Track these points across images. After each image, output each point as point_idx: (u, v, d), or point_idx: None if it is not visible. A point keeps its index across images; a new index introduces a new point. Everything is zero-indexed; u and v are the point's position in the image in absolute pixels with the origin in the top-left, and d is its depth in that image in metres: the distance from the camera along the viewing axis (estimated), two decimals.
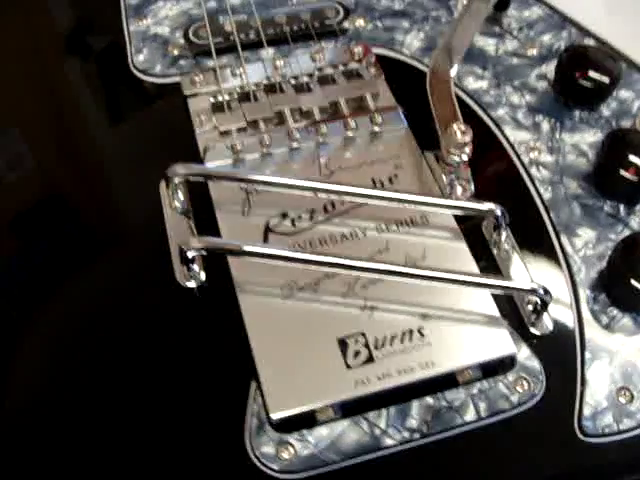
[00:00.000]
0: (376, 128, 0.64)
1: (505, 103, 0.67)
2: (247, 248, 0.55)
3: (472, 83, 0.68)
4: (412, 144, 0.64)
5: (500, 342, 0.54)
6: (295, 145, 0.63)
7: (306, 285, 0.56)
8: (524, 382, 0.53)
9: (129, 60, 0.70)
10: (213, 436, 0.51)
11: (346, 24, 0.72)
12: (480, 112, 0.66)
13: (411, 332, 0.54)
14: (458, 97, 0.66)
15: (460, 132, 0.59)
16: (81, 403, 0.52)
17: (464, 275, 0.54)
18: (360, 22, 0.73)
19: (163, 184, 0.61)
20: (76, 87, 0.72)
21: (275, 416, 0.51)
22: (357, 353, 0.53)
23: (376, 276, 0.54)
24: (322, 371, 0.53)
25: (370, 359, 0.53)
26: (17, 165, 0.64)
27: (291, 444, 0.51)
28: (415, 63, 0.70)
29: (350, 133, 0.64)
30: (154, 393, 0.53)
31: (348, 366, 0.53)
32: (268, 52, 0.69)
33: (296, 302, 0.56)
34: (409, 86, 0.67)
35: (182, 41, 0.71)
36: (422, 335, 0.54)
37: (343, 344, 0.54)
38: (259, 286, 0.56)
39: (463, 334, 0.54)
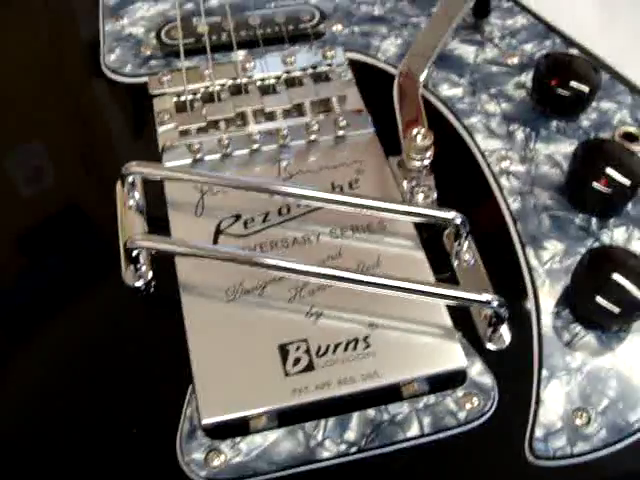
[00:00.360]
0: (340, 132, 0.62)
1: (479, 111, 0.64)
2: (190, 247, 0.53)
3: (447, 90, 0.66)
4: (377, 149, 0.61)
5: (450, 355, 0.51)
6: (256, 147, 0.61)
7: (252, 289, 0.54)
8: (474, 398, 0.50)
9: (100, 59, 0.69)
10: (145, 438, 0.49)
11: (322, 28, 0.71)
12: (452, 119, 0.64)
13: (356, 341, 0.51)
14: (430, 104, 0.64)
15: (421, 136, 0.56)
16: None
17: (414, 284, 0.51)
18: (337, 27, 0.70)
19: (119, 182, 0.59)
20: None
21: (206, 421, 0.49)
22: (297, 360, 0.51)
23: (324, 282, 0.52)
24: (259, 377, 0.50)
25: (310, 367, 0.50)
26: (35, 180, 0.63)
27: (222, 451, 0.48)
28: (389, 69, 0.67)
29: (313, 136, 0.61)
30: (90, 390, 0.51)
31: (287, 373, 0.50)
32: (239, 54, 0.67)
33: (240, 305, 0.53)
34: (381, 92, 0.65)
35: (155, 41, 0.69)
36: (367, 345, 0.51)
37: (283, 350, 0.51)
38: (203, 287, 0.54)
39: (411, 345, 0.51)
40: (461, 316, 0.53)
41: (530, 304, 0.54)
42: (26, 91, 0.68)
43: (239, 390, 0.50)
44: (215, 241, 0.56)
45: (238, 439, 0.49)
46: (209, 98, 0.64)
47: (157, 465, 0.49)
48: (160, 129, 0.62)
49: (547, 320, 0.54)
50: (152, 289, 0.55)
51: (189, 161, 0.61)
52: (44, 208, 0.61)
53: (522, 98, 0.65)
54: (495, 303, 0.51)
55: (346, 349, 0.51)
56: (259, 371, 0.50)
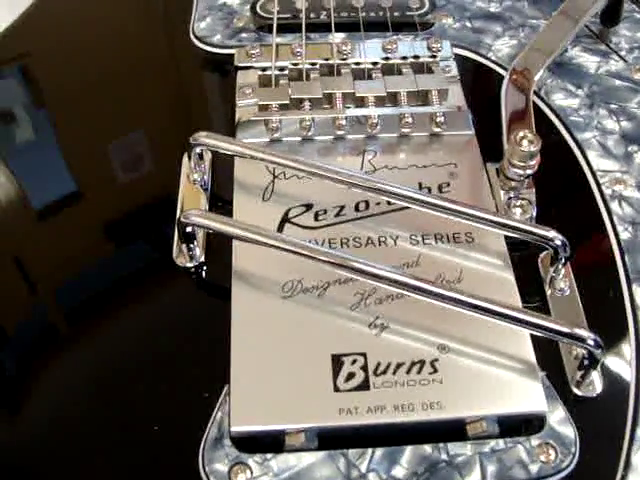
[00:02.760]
0: (436, 129, 0.53)
1: (595, 126, 0.54)
2: (250, 231, 0.44)
3: (561, 99, 0.56)
4: (474, 152, 0.52)
5: (529, 395, 0.42)
6: (340, 133, 0.53)
7: (312, 288, 0.45)
8: (551, 450, 0.41)
9: (190, 26, 0.62)
10: (167, 436, 0.41)
11: (430, 18, 0.62)
12: (563, 131, 0.54)
13: (422, 363, 0.42)
14: (541, 112, 0.55)
15: (527, 141, 0.47)
16: None
17: (499, 306, 0.42)
18: (448, 20, 0.62)
19: (186, 153, 0.51)
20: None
21: (236, 429, 0.40)
22: (351, 376, 0.42)
23: (396, 290, 0.43)
24: (304, 388, 0.42)
25: (365, 385, 0.42)
26: (133, 167, 0.56)
27: (248, 466, 0.40)
28: (499, 70, 0.58)
29: (405, 130, 0.53)
30: (117, 377, 0.44)
31: (337, 389, 0.41)
32: (336, 36, 0.59)
33: (295, 304, 0.45)
34: (485, 93, 0.56)
35: (249, 14, 0.62)
36: (434, 369, 0.42)
37: (337, 362, 0.42)
38: (258, 279, 0.46)
39: (485, 377, 0.42)
40: (547, 352, 0.44)
41: (630, 349, 0.44)
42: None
43: (279, 399, 0.41)
44: (280, 229, 0.48)
45: (269, 456, 0.40)
46: (297, 76, 0.56)
47: (175, 468, 0.41)
48: (239, 102, 0.55)
49: None
50: (202, 273, 0.48)
51: (265, 140, 0.53)
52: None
53: None
54: (591, 342, 0.41)
55: (409, 371, 0.42)
56: (305, 381, 0.42)
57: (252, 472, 0.40)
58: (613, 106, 0.56)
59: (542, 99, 0.56)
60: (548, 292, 0.46)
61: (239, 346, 0.43)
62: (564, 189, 0.51)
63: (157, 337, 0.46)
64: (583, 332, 0.41)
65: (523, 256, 0.48)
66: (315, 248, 0.44)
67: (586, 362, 0.42)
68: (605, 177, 0.52)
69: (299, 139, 0.53)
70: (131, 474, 0.41)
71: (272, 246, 0.44)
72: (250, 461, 0.40)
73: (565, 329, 0.41)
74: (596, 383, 0.43)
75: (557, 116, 0.55)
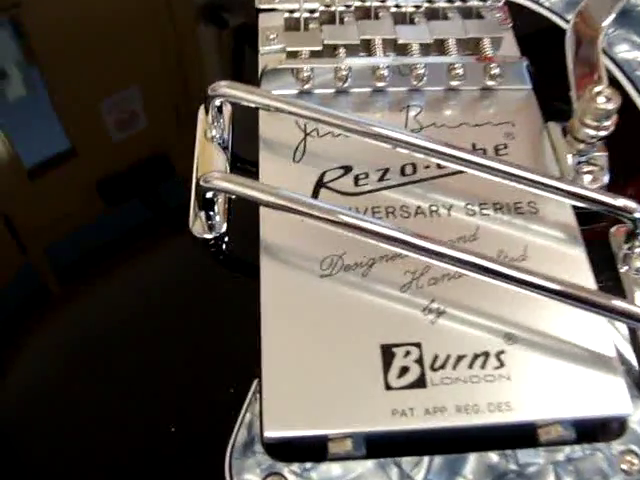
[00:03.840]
0: (490, 82, 0.45)
1: None
2: (280, 197, 0.37)
3: (626, 52, 0.48)
4: (534, 110, 0.45)
5: (611, 396, 0.35)
6: (380, 85, 0.45)
7: (355, 265, 0.38)
8: (635, 460, 0.34)
9: None
10: (186, 440, 0.34)
11: None
12: (630, 89, 0.47)
13: (486, 356, 0.35)
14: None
15: (604, 97, 0.39)
16: None
17: (576, 289, 0.35)
18: None
19: (202, 107, 0.43)
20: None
21: (270, 434, 0.33)
22: (404, 370, 0.35)
23: (454, 269, 0.36)
24: (350, 385, 0.34)
25: (421, 382, 0.34)
26: (128, 125, 0.48)
27: (284, 478, 0.33)
28: (554, 18, 0.50)
29: (455, 82, 0.45)
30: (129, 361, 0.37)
31: (388, 386, 0.34)
32: None
33: (336, 284, 0.37)
34: (541, 44, 0.48)
35: None
36: (501, 363, 0.35)
37: (387, 354, 0.35)
38: (291, 254, 0.38)
39: (559, 373, 0.35)
40: (624, 345, 0.37)
41: None
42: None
43: (320, 398, 0.34)
44: (315, 195, 0.41)
45: (309, 465, 0.33)
46: (329, 19, 0.47)
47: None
48: (263, 49, 0.47)
49: None
50: (224, 246, 0.40)
51: (294, 92, 0.45)
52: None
53: None
54: None
55: (471, 365, 0.35)
56: (351, 376, 0.35)
57: None
58: None
59: (604, 51, 0.48)
60: (622, 269, 0.39)
61: (270, 334, 0.36)
62: (635, 154, 0.44)
63: (167, 318, 0.38)
64: None
65: (592, 229, 0.41)
66: (359, 218, 0.36)
67: None
68: None
69: (333, 91, 0.45)
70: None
71: (307, 215, 0.36)
72: (286, 471, 0.33)
73: None
74: None
75: (621, 70, 0.48)
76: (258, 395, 0.35)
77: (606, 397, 0.35)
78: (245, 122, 0.45)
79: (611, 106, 0.39)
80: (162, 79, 0.50)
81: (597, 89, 0.39)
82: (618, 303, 0.34)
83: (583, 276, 0.38)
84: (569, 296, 0.34)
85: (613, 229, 0.41)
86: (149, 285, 0.40)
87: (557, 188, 0.38)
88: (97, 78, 0.49)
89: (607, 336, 0.36)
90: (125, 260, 0.41)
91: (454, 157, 0.39)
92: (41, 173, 0.46)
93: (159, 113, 0.48)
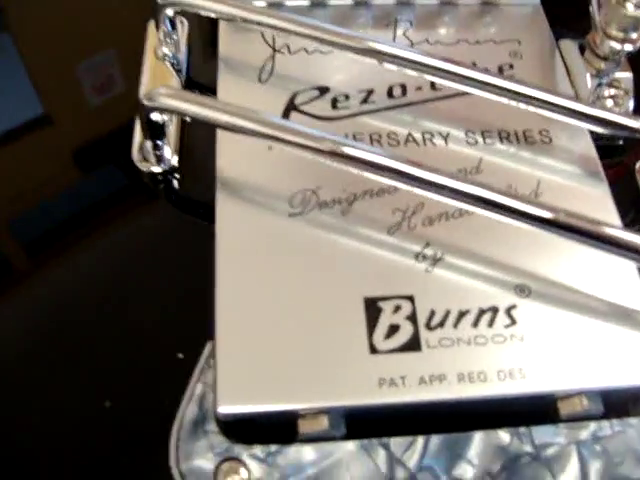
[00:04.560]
0: None
1: None
2: (241, 116, 0.29)
3: None
4: (543, 27, 0.37)
5: None
6: None
7: (332, 201, 0.30)
8: None
9: None
10: (124, 415, 0.27)
11: None
12: None
13: (494, 312, 0.28)
14: None
15: (632, 4, 0.32)
16: None
17: (606, 228, 0.28)
18: None
19: (152, 21, 0.36)
20: None
21: (225, 410, 0.26)
22: (393, 329, 0.27)
23: (457, 205, 0.28)
24: (325, 350, 0.27)
25: (414, 344, 0.27)
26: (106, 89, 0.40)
27: (244, 464, 0.26)
28: None
29: None
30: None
31: (373, 349, 0.27)
32: None
33: (309, 225, 0.30)
34: None
35: None
36: (512, 321, 0.28)
37: (373, 309, 0.28)
38: (254, 189, 0.31)
39: (583, 332, 0.28)
40: None
41: None
42: None
43: (288, 366, 0.27)
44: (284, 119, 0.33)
45: (274, 448, 0.26)
46: None
47: (132, 469, 0.26)
48: None
49: None
50: (176, 182, 0.33)
51: (262, 4, 0.37)
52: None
53: None
54: None
55: (476, 323, 0.28)
56: (326, 338, 0.27)
57: (250, 472, 0.26)
58: None
59: None
60: None
61: (227, 286, 0.28)
62: None
63: (114, 271, 0.31)
64: None
65: (616, 165, 0.34)
66: (338, 141, 0.29)
67: None
68: None
69: (307, 3, 0.37)
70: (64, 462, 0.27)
71: (274, 138, 0.29)
72: (246, 456, 0.26)
73: None
74: None
75: None
76: (212, 361, 0.28)
77: (638, 363, 0.28)
78: (205, 40, 0.37)
79: None
80: (140, 41, 0.42)
81: None
82: None
83: (607, 216, 0.31)
84: (596, 236, 0.27)
85: (639, 164, 0.34)
86: (113, 252, 0.33)
87: (574, 110, 0.31)
88: (71, 40, 0.41)
89: (638, 286, 0.29)
90: (93, 231, 0.34)
91: (452, 74, 0.31)
92: (13, 140, 0.38)
93: (138, 76, 0.41)
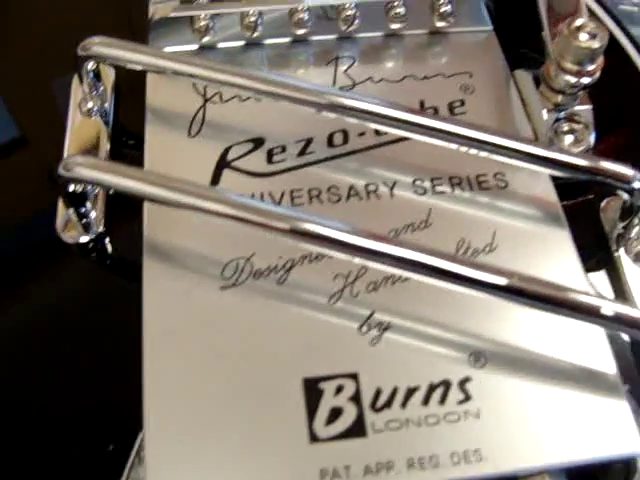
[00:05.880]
0: (440, 23, 0.35)
1: None
2: (164, 186, 0.27)
3: None
4: (496, 56, 0.35)
5: (615, 431, 0.25)
6: (301, 33, 0.34)
7: (268, 270, 0.28)
8: None
9: None
10: None
11: None
12: (612, 26, 0.37)
13: (447, 386, 0.26)
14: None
15: (587, 34, 0.30)
16: None
17: (567, 293, 0.25)
18: None
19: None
20: None
21: None
22: (336, 413, 0.25)
23: (397, 272, 0.26)
24: (261, 439, 0.25)
25: (359, 429, 0.25)
26: None
27: None
28: None
29: (395, 25, 0.35)
30: None
31: (314, 437, 0.25)
32: None
33: (242, 297, 0.28)
34: None
35: None
36: (467, 396, 0.26)
37: (313, 391, 0.25)
38: (184, 258, 0.28)
39: (545, 406, 0.26)
40: (624, 352, 0.28)
41: None
42: None
43: (224, 458, 0.24)
44: (215, 179, 0.30)
45: None
46: None
47: None
48: None
49: None
50: (104, 249, 0.30)
51: (193, 47, 0.35)
52: None
53: None
54: None
55: (427, 401, 0.25)
56: (264, 426, 0.25)
57: None
58: None
59: None
60: (618, 252, 0.30)
61: (155, 369, 0.26)
62: (632, 108, 0.35)
63: (34, 349, 0.29)
64: None
65: (578, 206, 0.31)
66: (266, 210, 0.26)
67: None
68: None
69: (242, 44, 0.35)
70: None
71: (198, 209, 0.27)
72: None
73: None
74: None
75: (601, 5, 0.38)
76: (142, 454, 0.25)
77: (608, 433, 0.25)
78: (134, 87, 0.35)
79: (596, 44, 0.30)
80: None
81: (578, 22, 0.30)
82: (622, 309, 0.25)
83: (569, 266, 0.29)
84: (554, 302, 0.25)
85: (604, 203, 0.32)
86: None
87: (531, 154, 0.29)
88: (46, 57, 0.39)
89: (605, 348, 0.27)
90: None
91: (396, 120, 0.29)
92: None
93: None
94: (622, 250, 0.30)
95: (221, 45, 0.35)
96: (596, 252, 0.31)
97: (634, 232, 0.30)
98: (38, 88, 0.38)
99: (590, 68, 0.31)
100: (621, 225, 0.30)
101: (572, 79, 0.31)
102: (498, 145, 0.29)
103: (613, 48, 0.36)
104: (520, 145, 0.29)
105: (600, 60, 0.31)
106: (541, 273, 0.28)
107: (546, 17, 0.33)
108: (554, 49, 0.31)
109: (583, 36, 0.30)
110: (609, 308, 0.25)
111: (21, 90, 0.38)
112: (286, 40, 0.35)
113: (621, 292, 0.30)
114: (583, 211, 0.31)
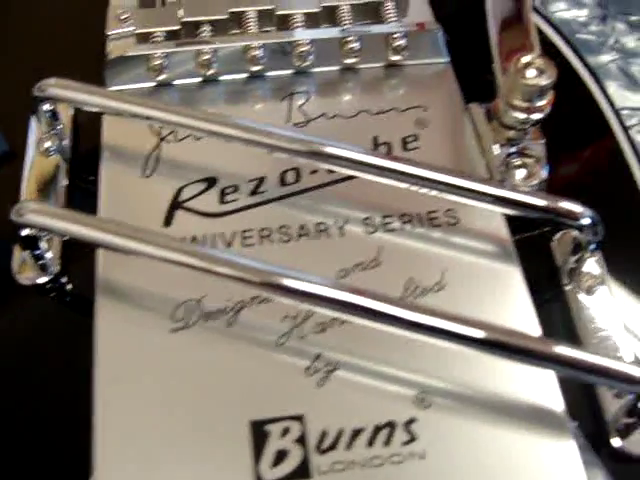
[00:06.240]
0: (395, 57, 0.35)
1: (612, 46, 0.38)
2: (112, 232, 0.27)
3: (563, 11, 0.39)
4: (451, 89, 0.35)
5: (563, 469, 0.25)
6: (256, 69, 0.35)
7: (218, 312, 0.28)
8: None
9: None
10: None
11: None
12: (570, 55, 0.38)
13: (392, 427, 0.26)
14: (538, 29, 0.37)
15: (535, 69, 0.30)
16: None
17: (510, 337, 0.25)
18: None
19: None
20: None
21: None
22: (281, 456, 0.25)
23: (345, 317, 0.27)
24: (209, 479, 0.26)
25: (303, 471, 0.25)
26: None
27: None
28: None
29: (350, 60, 0.35)
30: None
31: (259, 479, 0.25)
32: None
33: (191, 340, 0.28)
34: (461, 6, 0.39)
35: None
36: (412, 437, 0.26)
37: (259, 434, 0.26)
38: (136, 301, 0.29)
39: (491, 446, 0.26)
40: (572, 388, 0.28)
41: None
42: None
43: None
44: (167, 221, 0.31)
45: None
46: None
47: None
48: (112, 33, 0.36)
49: None
50: (59, 292, 0.31)
51: (149, 85, 0.35)
52: None
53: None
54: None
55: (372, 442, 0.26)
56: (211, 470, 0.25)
57: None
58: (634, 18, 0.39)
59: (536, 10, 0.39)
60: (569, 287, 0.30)
61: (106, 412, 0.26)
62: (577, 138, 0.35)
63: None
64: (630, 368, 0.25)
65: (530, 241, 0.32)
66: (212, 256, 0.27)
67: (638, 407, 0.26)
68: (633, 117, 0.35)
69: (197, 80, 0.35)
70: None
71: (146, 255, 0.27)
72: None
73: (604, 364, 0.25)
74: None
75: (559, 33, 0.39)
76: None
77: (555, 473, 0.26)
78: (92, 127, 0.35)
79: (544, 81, 0.30)
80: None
81: (525, 59, 0.30)
82: (572, 354, 0.25)
83: (518, 303, 0.29)
84: (498, 346, 0.25)
85: (557, 237, 0.32)
86: None
87: (479, 192, 0.29)
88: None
89: (554, 390, 0.27)
90: None
91: (345, 159, 0.29)
92: None
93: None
94: (574, 284, 0.31)
95: (178, 82, 0.35)
96: (548, 287, 0.31)
97: (585, 267, 0.31)
98: (27, 102, 0.39)
99: (539, 104, 0.31)
100: (573, 259, 0.31)
101: (521, 116, 0.31)
102: (447, 184, 0.29)
103: (571, 77, 0.37)
104: (467, 183, 0.29)
105: (550, 95, 0.31)
106: (490, 311, 0.28)
107: (497, 51, 0.33)
108: (503, 85, 0.31)
109: (531, 73, 0.30)
110: (549, 350, 0.25)
111: (10, 104, 0.39)
112: (242, 76, 0.35)
113: (572, 327, 0.30)
114: (536, 245, 0.32)
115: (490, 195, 0.29)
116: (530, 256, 0.31)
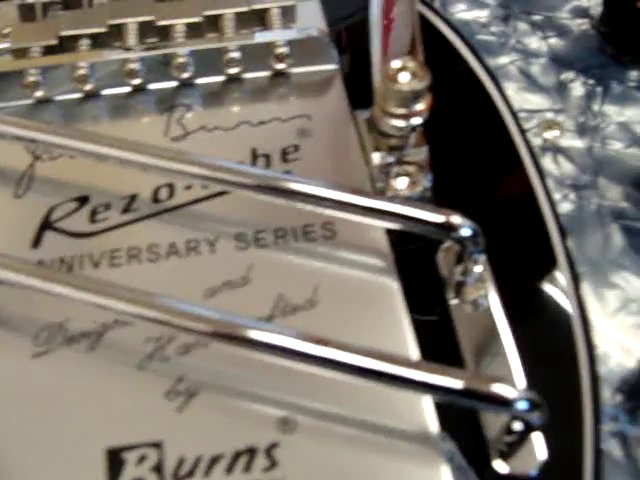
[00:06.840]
0: (279, 65, 0.34)
1: (514, 47, 0.37)
2: None
3: (463, 12, 0.38)
4: (337, 97, 0.34)
5: None
6: (135, 83, 0.34)
7: (81, 335, 0.27)
8: None
9: None
10: None
11: None
12: (469, 57, 0.37)
13: (252, 453, 0.25)
14: (436, 31, 0.37)
15: (408, 73, 0.29)
16: None
17: (375, 359, 0.24)
18: None
19: None
20: None
21: None
22: None
23: (206, 339, 0.26)
24: None
25: None
26: None
27: None
28: None
29: (232, 70, 0.34)
30: None
31: None
32: None
33: (51, 365, 0.27)
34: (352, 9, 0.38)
35: None
36: (273, 462, 0.25)
37: (115, 461, 0.25)
38: None
39: (357, 467, 0.25)
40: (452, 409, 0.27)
41: (585, 392, 0.28)
42: None
43: None
44: (37, 241, 0.30)
45: None
46: (76, 3, 0.37)
47: None
48: None
49: (611, 427, 0.27)
50: None
51: (27, 102, 0.34)
52: None
53: (583, 31, 0.38)
54: (522, 405, 0.24)
55: (231, 468, 0.25)
56: None
57: None
58: (537, 16, 0.39)
59: (435, 11, 0.38)
60: (453, 302, 0.30)
61: None
62: (472, 143, 0.34)
63: None
64: (508, 391, 0.24)
65: (414, 253, 0.31)
66: (71, 281, 0.26)
67: (518, 426, 0.26)
68: (531, 120, 0.35)
69: (75, 96, 0.34)
70: None
71: (11, 284, 0.27)
72: None
73: (481, 388, 0.25)
74: (536, 452, 0.26)
75: (458, 35, 0.38)
76: None
77: None
78: None
79: (418, 85, 0.29)
80: None
81: (396, 64, 0.29)
82: (442, 380, 0.24)
83: (394, 321, 0.28)
84: (363, 371, 0.25)
85: (443, 247, 0.31)
86: None
87: (349, 204, 0.28)
88: None
89: (428, 411, 0.26)
90: None
91: (213, 178, 0.29)
92: None
93: None
94: (459, 299, 0.30)
95: (58, 98, 0.34)
96: (433, 300, 0.31)
97: (470, 279, 0.30)
98: None
99: (417, 108, 0.30)
100: (458, 272, 0.30)
101: (398, 122, 0.30)
102: (316, 196, 0.28)
103: (469, 80, 0.37)
104: (337, 195, 0.28)
105: (428, 99, 0.30)
106: (363, 329, 0.28)
107: (378, 54, 0.32)
108: (377, 92, 0.31)
109: (403, 77, 0.30)
110: (419, 377, 0.24)
111: None
112: (120, 90, 0.35)
113: (455, 341, 0.30)
114: (422, 256, 0.31)
115: (361, 207, 0.28)
116: (416, 269, 0.31)
